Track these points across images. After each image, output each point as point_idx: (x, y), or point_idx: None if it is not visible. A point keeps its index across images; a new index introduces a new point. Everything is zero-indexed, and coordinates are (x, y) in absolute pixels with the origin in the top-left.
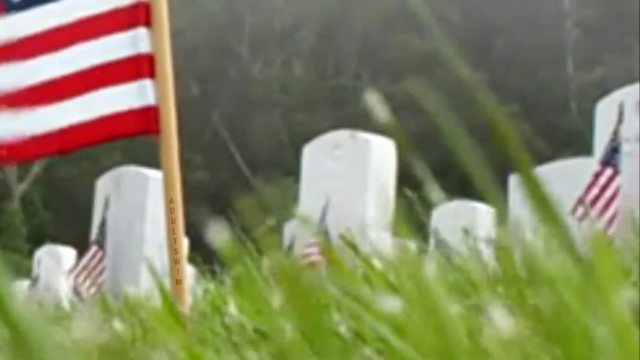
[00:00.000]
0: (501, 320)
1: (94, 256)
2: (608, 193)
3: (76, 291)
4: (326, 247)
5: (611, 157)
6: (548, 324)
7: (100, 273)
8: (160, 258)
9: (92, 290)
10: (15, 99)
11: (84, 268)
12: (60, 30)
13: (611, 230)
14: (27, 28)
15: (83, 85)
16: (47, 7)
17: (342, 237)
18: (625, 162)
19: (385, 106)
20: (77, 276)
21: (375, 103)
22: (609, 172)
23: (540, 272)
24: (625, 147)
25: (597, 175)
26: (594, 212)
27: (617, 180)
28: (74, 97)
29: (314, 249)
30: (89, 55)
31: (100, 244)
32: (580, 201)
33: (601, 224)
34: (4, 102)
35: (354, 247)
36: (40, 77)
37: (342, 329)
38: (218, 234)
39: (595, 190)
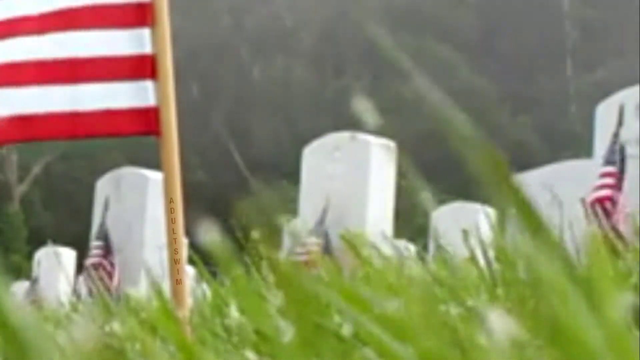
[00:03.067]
0: (500, 323)
1: (99, 254)
2: (612, 194)
3: (76, 292)
4: (324, 253)
5: (614, 158)
6: (547, 327)
7: (112, 267)
8: (160, 259)
9: (112, 284)
10: (8, 77)
11: (92, 266)
12: (59, 14)
13: (616, 232)
14: (24, 8)
15: (81, 75)
16: None
17: (342, 237)
18: (625, 164)
19: (385, 108)
20: (87, 275)
21: (364, 108)
22: (613, 172)
23: (539, 276)
24: (625, 150)
25: (601, 176)
26: (600, 214)
27: (622, 181)
28: (70, 84)
29: (311, 248)
30: (88, 45)
31: (106, 241)
32: (590, 203)
33: (607, 225)
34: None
35: (354, 249)
36: (32, 56)
37: (343, 330)
38: (210, 235)
39: (601, 192)
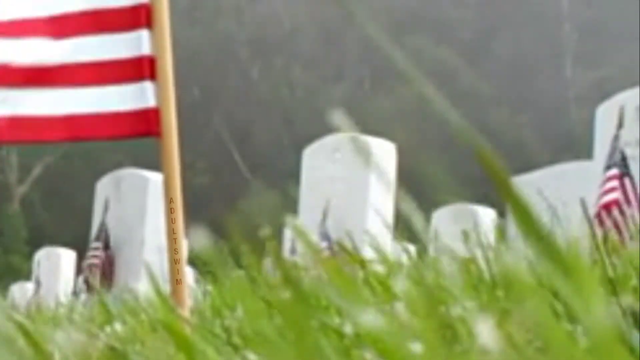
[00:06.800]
0: (498, 325)
1: (98, 255)
2: (618, 197)
3: (76, 293)
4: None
5: (616, 160)
6: (541, 329)
7: (111, 268)
8: (160, 260)
9: (111, 284)
10: (6, 77)
11: (92, 266)
12: (57, 18)
13: (621, 234)
14: (22, 11)
15: (80, 78)
16: None
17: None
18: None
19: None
20: (86, 276)
21: (341, 121)
22: (617, 175)
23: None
24: (626, 151)
25: (606, 180)
26: (605, 217)
27: (627, 184)
28: (69, 87)
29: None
30: (87, 49)
31: (105, 242)
32: (603, 207)
33: (612, 228)
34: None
35: (354, 251)
36: (32, 59)
37: (343, 331)
38: (198, 239)
39: (608, 196)
